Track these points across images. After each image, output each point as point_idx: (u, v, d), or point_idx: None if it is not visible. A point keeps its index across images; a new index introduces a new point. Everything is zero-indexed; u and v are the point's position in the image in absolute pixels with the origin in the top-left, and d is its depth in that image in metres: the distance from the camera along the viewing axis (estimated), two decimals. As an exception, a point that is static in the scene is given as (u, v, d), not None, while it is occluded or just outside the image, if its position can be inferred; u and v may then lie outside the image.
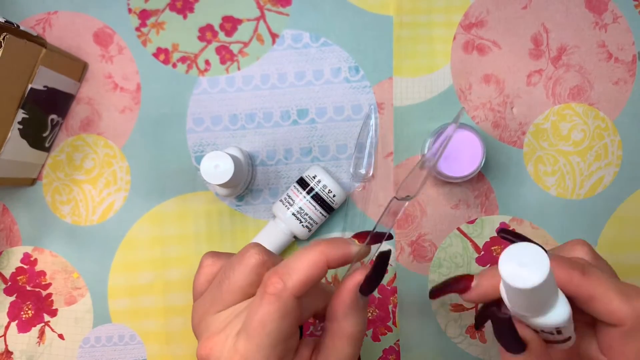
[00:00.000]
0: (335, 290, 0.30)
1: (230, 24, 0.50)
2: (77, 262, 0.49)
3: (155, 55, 0.50)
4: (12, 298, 0.50)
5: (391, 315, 0.49)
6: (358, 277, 0.29)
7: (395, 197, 0.34)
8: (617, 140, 0.49)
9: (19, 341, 0.49)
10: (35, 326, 0.49)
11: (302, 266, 0.28)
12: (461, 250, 0.49)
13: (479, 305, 0.32)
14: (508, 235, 0.32)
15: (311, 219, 0.46)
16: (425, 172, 0.36)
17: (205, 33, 0.50)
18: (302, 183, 0.46)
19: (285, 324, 0.28)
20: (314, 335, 0.49)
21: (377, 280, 0.29)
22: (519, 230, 0.49)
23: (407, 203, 0.33)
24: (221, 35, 0.50)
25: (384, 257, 0.30)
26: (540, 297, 0.27)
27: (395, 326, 0.49)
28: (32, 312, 0.49)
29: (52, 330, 0.49)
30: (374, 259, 0.30)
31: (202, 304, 0.31)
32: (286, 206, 0.46)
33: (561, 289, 0.28)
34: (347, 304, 0.29)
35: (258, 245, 0.31)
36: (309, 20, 0.49)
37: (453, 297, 0.48)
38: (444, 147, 0.39)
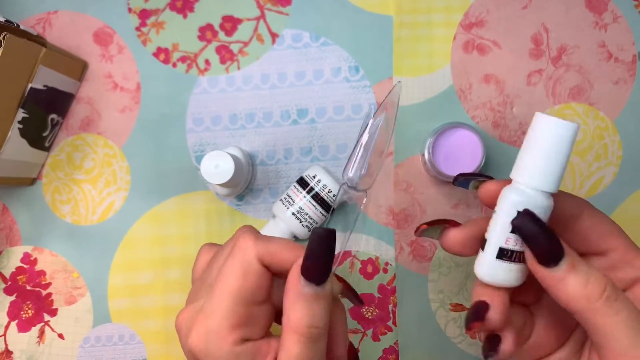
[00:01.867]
0: None
1: (230, 23, 0.50)
2: (77, 262, 0.49)
3: (155, 54, 0.50)
4: (12, 298, 0.50)
5: (391, 315, 0.49)
6: (300, 261, 0.27)
7: (346, 183, 0.33)
8: (617, 140, 0.49)
9: (19, 341, 0.49)
10: (35, 326, 0.49)
11: (279, 241, 0.28)
12: (461, 250, 0.49)
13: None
14: (465, 177, 0.31)
15: (311, 218, 0.46)
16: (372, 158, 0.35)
17: (205, 32, 0.50)
18: (302, 183, 0.46)
19: (246, 284, 0.27)
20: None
21: (316, 261, 0.26)
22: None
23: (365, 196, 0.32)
24: (221, 35, 0.50)
25: (319, 233, 0.26)
26: None
27: (395, 326, 0.49)
28: (32, 311, 0.49)
29: (52, 329, 0.49)
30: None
31: (193, 290, 0.30)
32: (286, 206, 0.46)
33: (568, 305, 0.26)
34: (290, 291, 0.27)
35: (250, 227, 0.30)
36: (309, 19, 0.49)
37: (453, 298, 0.49)
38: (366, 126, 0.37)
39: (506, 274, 0.29)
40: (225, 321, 0.27)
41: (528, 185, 0.28)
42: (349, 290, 0.33)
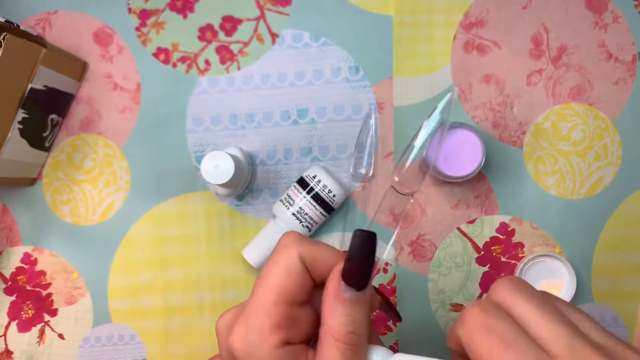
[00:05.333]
0: None
1: (230, 23, 0.50)
2: (77, 262, 0.49)
3: (155, 55, 0.50)
4: (12, 298, 0.50)
5: (391, 315, 0.49)
6: (341, 265, 0.26)
7: (393, 188, 0.32)
8: (617, 140, 0.49)
9: (19, 341, 0.49)
10: (35, 326, 0.49)
11: (322, 245, 0.27)
12: (461, 250, 0.49)
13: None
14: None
15: (311, 218, 0.46)
16: (425, 172, 0.34)
17: (205, 33, 0.50)
18: (302, 183, 0.46)
19: (289, 282, 0.26)
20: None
21: (357, 265, 0.25)
22: (519, 230, 0.49)
23: (411, 200, 0.31)
24: (221, 35, 0.50)
25: (362, 235, 0.25)
26: None
27: (395, 326, 0.49)
28: (32, 311, 0.49)
29: (52, 330, 0.49)
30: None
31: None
32: (286, 206, 0.46)
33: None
34: (329, 296, 0.26)
35: (295, 231, 0.29)
36: (309, 20, 0.49)
37: (453, 298, 0.48)
38: (440, 145, 0.37)
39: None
40: (267, 320, 0.26)
41: None
42: (387, 305, 0.31)
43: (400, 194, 0.32)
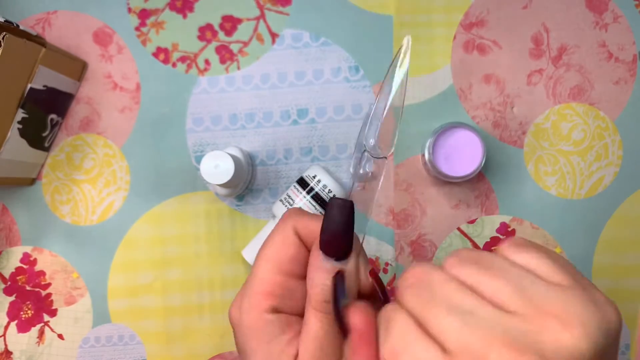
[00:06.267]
0: None
1: (230, 23, 0.50)
2: (77, 262, 0.49)
3: (155, 54, 0.50)
4: (12, 298, 0.49)
5: (391, 315, 0.49)
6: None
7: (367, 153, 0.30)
8: (617, 140, 0.49)
9: (19, 341, 0.49)
10: (34, 326, 0.49)
11: (314, 215, 0.28)
12: (461, 250, 0.49)
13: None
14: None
15: (311, 218, 0.46)
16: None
17: (205, 32, 0.50)
18: (302, 183, 0.46)
19: (283, 253, 0.26)
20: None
21: (333, 235, 0.25)
22: (519, 230, 0.49)
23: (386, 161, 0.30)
24: (221, 35, 0.50)
25: (337, 203, 0.25)
26: None
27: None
28: (32, 312, 0.49)
29: (52, 330, 0.49)
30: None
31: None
32: (286, 206, 0.46)
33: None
34: (310, 266, 0.26)
35: (294, 208, 0.30)
36: (309, 19, 0.49)
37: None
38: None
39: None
40: (261, 287, 0.26)
41: None
42: (377, 284, 0.31)
43: (375, 157, 0.32)
